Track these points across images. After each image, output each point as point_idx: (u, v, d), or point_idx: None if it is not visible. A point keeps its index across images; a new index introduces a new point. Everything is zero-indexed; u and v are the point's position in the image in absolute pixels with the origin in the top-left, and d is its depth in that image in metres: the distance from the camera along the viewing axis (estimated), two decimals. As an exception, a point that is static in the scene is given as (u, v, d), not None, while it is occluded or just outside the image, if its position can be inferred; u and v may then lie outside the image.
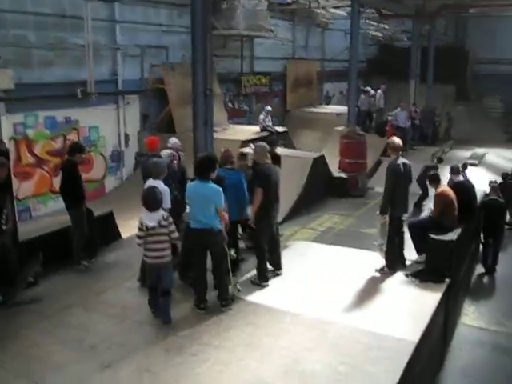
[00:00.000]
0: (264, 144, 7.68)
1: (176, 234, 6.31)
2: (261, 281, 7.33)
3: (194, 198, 6.47)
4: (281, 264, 7.74)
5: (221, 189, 6.41)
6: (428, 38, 26.22)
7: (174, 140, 8.48)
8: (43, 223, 9.62)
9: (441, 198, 7.94)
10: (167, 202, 6.76)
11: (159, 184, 6.87)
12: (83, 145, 9.78)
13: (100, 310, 6.67)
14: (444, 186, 8.25)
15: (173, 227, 6.26)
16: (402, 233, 7.90)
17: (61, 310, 6.62)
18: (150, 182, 7.11)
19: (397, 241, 7.79)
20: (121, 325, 6.29)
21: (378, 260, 7.88)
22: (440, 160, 14.82)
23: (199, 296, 6.62)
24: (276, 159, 9.14)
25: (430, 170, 10.64)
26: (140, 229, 6.22)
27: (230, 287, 6.80)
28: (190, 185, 6.62)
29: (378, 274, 7.67)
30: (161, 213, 6.23)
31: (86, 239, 7.99)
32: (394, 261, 7.76)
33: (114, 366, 5.41)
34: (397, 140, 7.84)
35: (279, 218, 12.20)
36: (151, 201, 6.21)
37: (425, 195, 12.85)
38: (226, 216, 6.60)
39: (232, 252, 6.83)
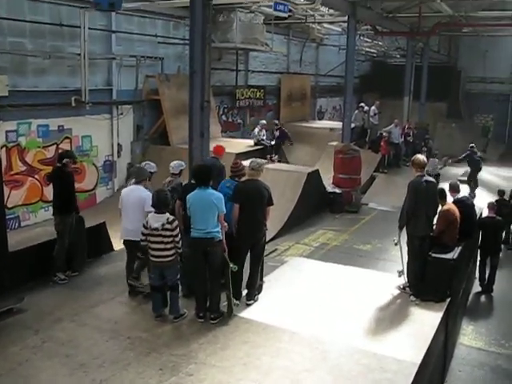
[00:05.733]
0: (260, 161, 7.33)
1: (178, 239, 6.37)
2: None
3: (197, 205, 6.37)
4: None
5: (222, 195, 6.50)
6: (421, 56, 26.39)
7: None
8: (32, 233, 9.34)
9: (445, 216, 7.73)
10: (148, 207, 6.67)
11: (140, 189, 7.12)
12: (74, 152, 9.62)
13: (91, 325, 6.42)
14: (450, 203, 8.06)
15: (176, 232, 6.36)
16: (423, 254, 7.32)
17: (51, 325, 6.39)
18: (132, 187, 7.24)
19: (417, 264, 7.32)
20: (113, 341, 6.04)
21: (377, 279, 7.71)
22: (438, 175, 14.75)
23: (199, 305, 6.54)
24: None
25: None
26: (145, 227, 6.39)
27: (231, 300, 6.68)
28: (191, 194, 6.46)
29: (376, 293, 7.49)
30: (166, 216, 6.36)
31: (65, 251, 7.71)
32: (417, 283, 7.29)
33: (105, 385, 5.17)
34: (421, 156, 7.65)
35: (272, 233, 12.14)
36: (157, 202, 6.40)
37: None
38: (226, 224, 6.59)
39: (232, 264, 6.62)
